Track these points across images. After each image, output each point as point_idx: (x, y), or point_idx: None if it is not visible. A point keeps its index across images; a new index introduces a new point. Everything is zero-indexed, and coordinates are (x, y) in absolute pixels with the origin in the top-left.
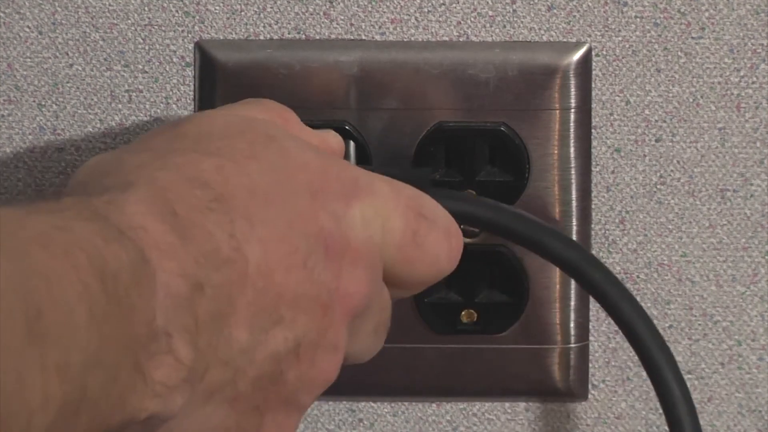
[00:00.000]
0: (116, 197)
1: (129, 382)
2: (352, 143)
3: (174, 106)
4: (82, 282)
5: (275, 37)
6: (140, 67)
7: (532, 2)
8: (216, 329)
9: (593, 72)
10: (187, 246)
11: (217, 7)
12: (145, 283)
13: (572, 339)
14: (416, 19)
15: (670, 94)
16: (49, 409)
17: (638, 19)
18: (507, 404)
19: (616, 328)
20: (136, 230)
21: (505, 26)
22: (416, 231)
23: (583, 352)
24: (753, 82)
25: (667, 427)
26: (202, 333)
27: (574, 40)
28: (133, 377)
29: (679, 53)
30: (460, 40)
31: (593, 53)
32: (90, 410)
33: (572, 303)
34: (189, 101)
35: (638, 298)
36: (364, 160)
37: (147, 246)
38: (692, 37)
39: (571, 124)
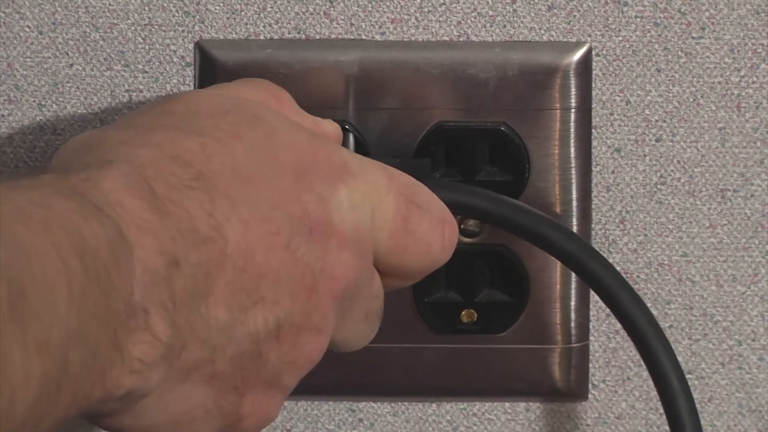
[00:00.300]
0: (94, 174)
1: (108, 358)
2: (351, 135)
3: None
4: (61, 259)
5: (275, 37)
6: (140, 67)
7: (532, 2)
8: (193, 307)
9: (593, 72)
10: (165, 223)
11: (217, 7)
12: (124, 260)
13: (573, 339)
14: (416, 18)
15: (671, 94)
16: (30, 387)
17: (638, 19)
18: (507, 404)
19: (617, 328)
20: (113, 207)
21: (505, 26)
22: (407, 218)
23: (584, 352)
24: (753, 82)
25: (667, 427)
26: (179, 310)
27: (574, 39)
28: (112, 353)
29: (680, 53)
30: (460, 39)
31: (593, 53)
32: (71, 387)
33: (572, 303)
34: None
35: None
36: (363, 155)
37: (124, 223)
38: (692, 37)
39: (572, 124)
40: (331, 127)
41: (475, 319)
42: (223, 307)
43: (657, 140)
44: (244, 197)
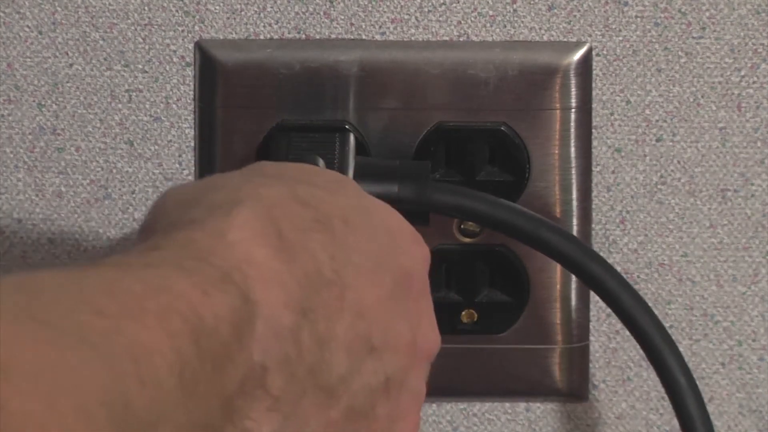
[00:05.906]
0: (220, 224)
1: (218, 426)
2: (351, 136)
3: (174, 106)
4: (175, 349)
5: (275, 37)
6: (140, 67)
7: (532, 2)
8: (318, 354)
9: (594, 72)
10: (291, 268)
11: (217, 7)
12: (245, 327)
13: (573, 339)
14: (416, 18)
15: (671, 94)
16: None
17: (639, 19)
18: (507, 404)
19: (617, 328)
20: (239, 267)
21: (505, 26)
22: None
23: (584, 352)
24: (754, 82)
25: (667, 427)
26: (303, 357)
27: (574, 39)
28: (221, 421)
29: (680, 53)
30: (461, 39)
31: (594, 53)
32: None
33: (573, 303)
34: (189, 101)
35: None
36: (363, 155)
37: (251, 283)
38: (693, 37)
39: (572, 124)
40: None
41: (475, 319)
42: (343, 353)
43: (657, 140)
44: (354, 245)
